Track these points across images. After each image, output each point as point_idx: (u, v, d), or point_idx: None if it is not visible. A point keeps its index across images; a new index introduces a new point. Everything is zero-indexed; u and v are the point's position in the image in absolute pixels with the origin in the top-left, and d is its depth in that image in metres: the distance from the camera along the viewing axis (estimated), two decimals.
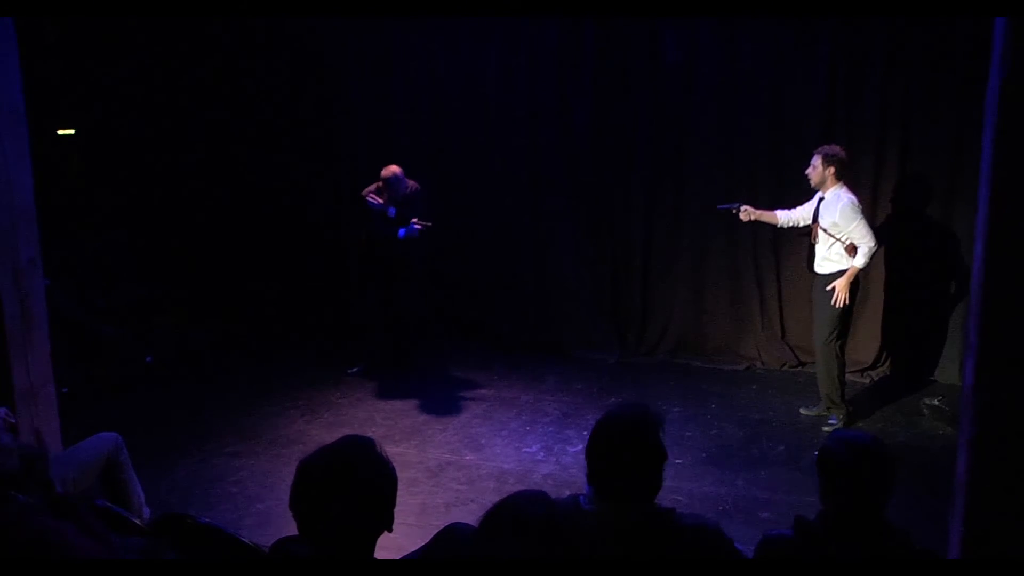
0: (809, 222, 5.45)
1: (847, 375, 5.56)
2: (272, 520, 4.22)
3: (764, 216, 5.63)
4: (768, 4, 5.15)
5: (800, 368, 6.51)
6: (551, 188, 6.97)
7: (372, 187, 6.17)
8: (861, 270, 5.19)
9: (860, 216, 5.12)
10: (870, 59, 6.05)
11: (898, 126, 6.10)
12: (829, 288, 5.20)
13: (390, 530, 1.91)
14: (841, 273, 5.18)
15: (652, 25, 6.48)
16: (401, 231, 6.06)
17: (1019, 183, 2.34)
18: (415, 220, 6.04)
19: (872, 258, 5.19)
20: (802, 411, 5.68)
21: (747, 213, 5.58)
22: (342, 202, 7.19)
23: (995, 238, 2.40)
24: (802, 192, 5.86)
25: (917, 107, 6.03)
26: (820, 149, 5.25)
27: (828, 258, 5.24)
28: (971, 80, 5.61)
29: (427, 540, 2.31)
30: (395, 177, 6.05)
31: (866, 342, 6.31)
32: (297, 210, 7.59)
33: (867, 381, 6.26)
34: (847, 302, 5.19)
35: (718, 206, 5.75)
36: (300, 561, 1.81)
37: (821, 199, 5.28)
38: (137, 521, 2.91)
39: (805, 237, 5.77)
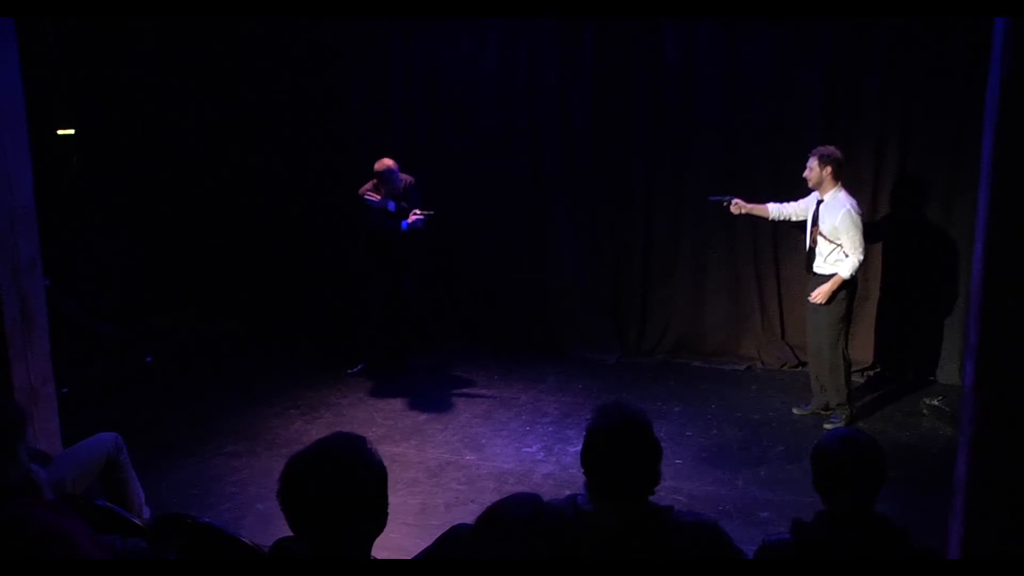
0: (802, 217, 5.49)
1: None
2: (272, 520, 4.21)
3: (755, 209, 5.68)
4: (768, 4, 5.15)
5: (800, 368, 6.50)
6: (551, 188, 6.97)
7: (368, 185, 6.16)
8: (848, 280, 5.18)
9: (857, 227, 5.10)
10: (870, 59, 6.04)
11: (898, 126, 6.09)
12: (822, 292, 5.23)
13: (382, 527, 1.90)
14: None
15: (652, 24, 6.47)
16: (404, 223, 6.05)
17: (1019, 183, 2.34)
18: (416, 211, 6.03)
19: (857, 271, 5.18)
20: (795, 411, 5.69)
21: (737, 206, 5.66)
22: (342, 201, 7.18)
23: (995, 238, 2.40)
24: (801, 191, 5.86)
25: (917, 107, 6.03)
26: (816, 150, 5.26)
27: (828, 261, 5.24)
28: (971, 80, 5.62)
29: (427, 540, 2.32)
30: (389, 170, 6.02)
31: (865, 342, 6.30)
32: (297, 209, 7.59)
33: (863, 380, 6.25)
34: (844, 310, 5.22)
35: (710, 197, 5.83)
36: (300, 561, 1.81)
37: (820, 201, 5.28)
38: (137, 521, 2.91)
39: (805, 237, 5.76)
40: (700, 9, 5.75)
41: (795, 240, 6.26)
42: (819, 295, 5.23)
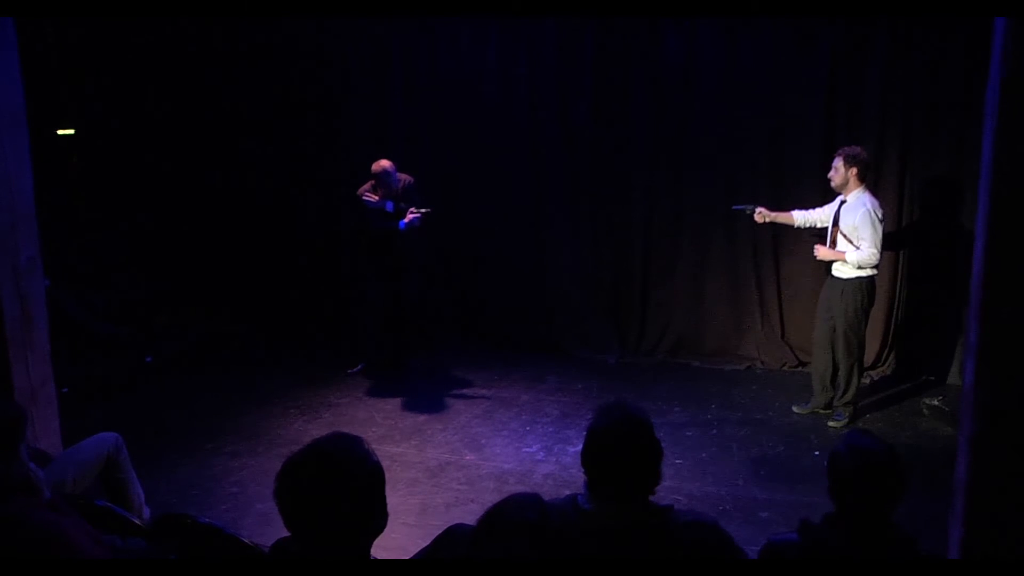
0: (827, 224, 5.38)
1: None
2: (272, 520, 4.19)
3: (780, 217, 5.58)
4: (768, 4, 5.14)
5: (800, 368, 6.50)
6: (551, 187, 6.97)
7: (366, 185, 6.17)
8: (868, 278, 5.18)
9: (875, 226, 5.05)
10: (870, 59, 6.04)
11: (898, 126, 6.09)
12: (823, 256, 5.27)
13: (382, 528, 1.89)
14: (859, 279, 5.15)
15: (652, 25, 6.47)
16: (401, 223, 6.05)
17: (1019, 183, 2.34)
18: (413, 209, 6.03)
19: (863, 266, 5.13)
20: (795, 409, 5.68)
21: (762, 215, 5.54)
22: (341, 201, 7.19)
23: (995, 238, 2.40)
24: (802, 192, 5.87)
25: (917, 107, 6.03)
26: (841, 151, 5.18)
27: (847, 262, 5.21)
28: (971, 80, 5.62)
29: (427, 540, 2.32)
30: (385, 171, 6.03)
31: (867, 342, 6.27)
32: (297, 209, 7.59)
33: (868, 381, 6.25)
34: (861, 308, 5.21)
35: (733, 207, 5.74)
36: (300, 561, 1.81)
37: (843, 202, 5.22)
38: (137, 521, 2.91)
39: (812, 237, 5.76)
40: (700, 9, 5.75)
41: (795, 239, 6.26)
42: (822, 251, 5.23)
